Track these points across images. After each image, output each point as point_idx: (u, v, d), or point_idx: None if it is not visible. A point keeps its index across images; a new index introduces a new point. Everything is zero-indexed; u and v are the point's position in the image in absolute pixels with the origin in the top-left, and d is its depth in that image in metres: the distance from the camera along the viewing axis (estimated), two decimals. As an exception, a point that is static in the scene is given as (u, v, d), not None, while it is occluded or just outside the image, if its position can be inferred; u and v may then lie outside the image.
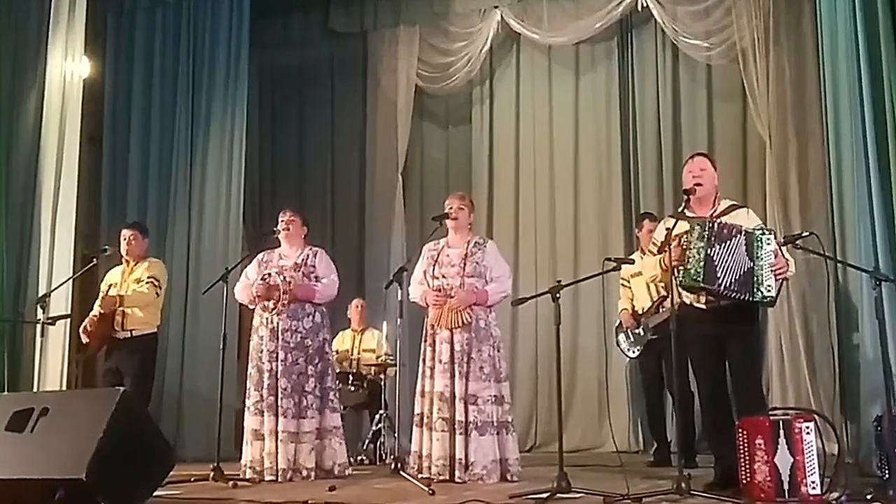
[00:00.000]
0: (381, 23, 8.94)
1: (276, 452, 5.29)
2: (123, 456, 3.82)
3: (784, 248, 4.45)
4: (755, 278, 4.25)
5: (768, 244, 4.28)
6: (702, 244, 4.28)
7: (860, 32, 5.53)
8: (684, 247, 4.30)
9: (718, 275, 4.26)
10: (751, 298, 4.28)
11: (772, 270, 4.26)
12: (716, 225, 4.34)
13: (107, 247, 6.25)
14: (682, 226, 4.43)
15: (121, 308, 5.90)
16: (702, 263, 4.25)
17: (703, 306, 4.46)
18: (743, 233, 4.32)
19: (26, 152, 7.06)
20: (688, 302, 4.51)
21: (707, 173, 4.58)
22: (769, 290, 4.27)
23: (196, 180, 8.00)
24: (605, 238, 8.09)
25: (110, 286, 6.12)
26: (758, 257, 4.26)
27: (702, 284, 4.29)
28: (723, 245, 4.28)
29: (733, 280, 4.26)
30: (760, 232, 4.32)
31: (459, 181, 8.55)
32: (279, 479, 5.23)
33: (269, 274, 5.51)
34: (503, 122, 8.72)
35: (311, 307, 5.55)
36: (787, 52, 7.22)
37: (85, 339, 5.96)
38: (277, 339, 5.44)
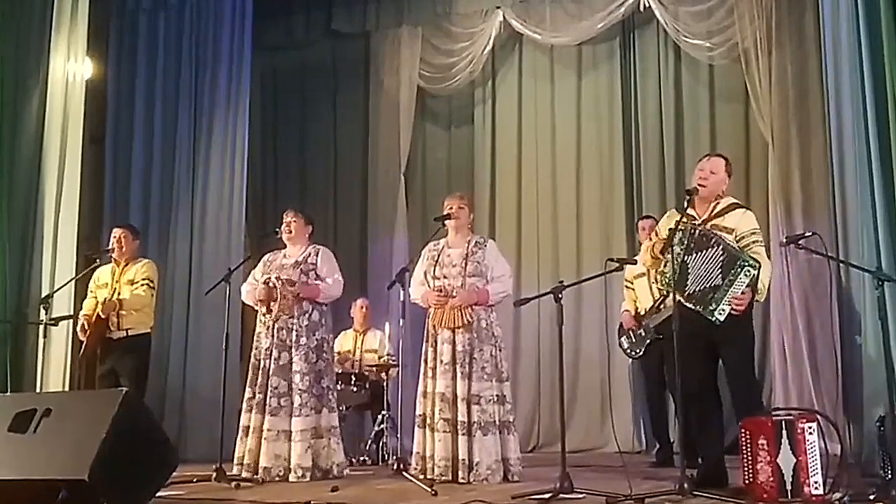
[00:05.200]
0: (384, 23, 8.94)
1: (259, 450, 5.32)
2: (126, 457, 3.81)
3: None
4: (715, 297, 4.30)
5: (746, 276, 4.29)
6: (679, 250, 4.35)
7: (862, 32, 5.52)
8: (667, 249, 4.35)
9: (688, 282, 4.36)
10: (700, 311, 4.34)
11: (732, 300, 4.29)
12: (697, 232, 4.39)
13: (109, 248, 6.26)
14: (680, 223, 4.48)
15: (119, 310, 5.93)
16: (677, 270, 4.33)
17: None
18: (722, 247, 4.33)
19: (29, 153, 7.06)
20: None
21: (716, 177, 4.59)
22: (721, 314, 4.31)
23: (199, 181, 8.00)
24: (608, 238, 8.09)
25: (99, 287, 6.14)
26: (730, 281, 4.29)
27: (672, 290, 4.36)
28: (699, 253, 4.35)
29: (698, 289, 4.33)
30: (745, 262, 4.30)
31: (462, 181, 8.56)
32: (261, 478, 5.24)
33: (270, 278, 5.54)
34: (505, 122, 8.72)
35: (309, 305, 5.56)
36: (790, 51, 7.21)
37: (83, 337, 5.96)
38: (272, 336, 5.48)
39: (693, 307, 4.36)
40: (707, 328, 4.42)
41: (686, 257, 4.34)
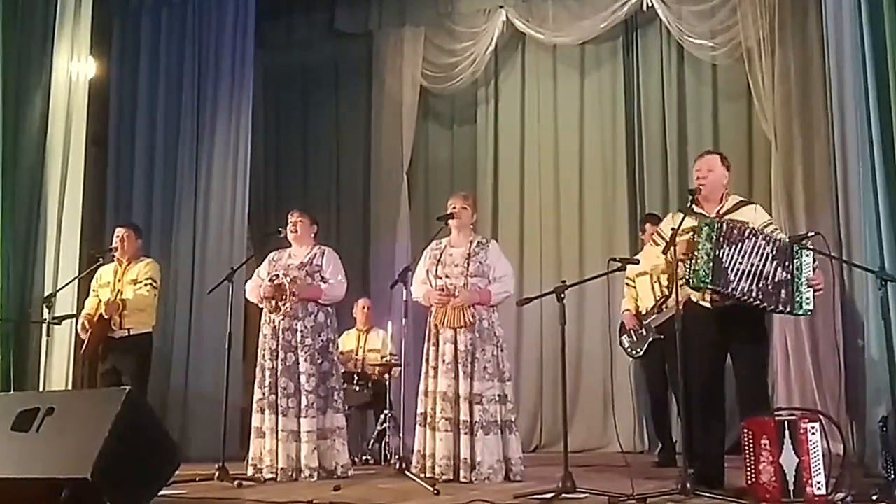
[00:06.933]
0: (386, 23, 8.95)
1: (277, 451, 5.33)
2: (129, 455, 3.82)
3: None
4: (794, 291, 4.21)
5: (807, 257, 4.23)
6: (710, 245, 4.22)
7: (866, 31, 5.50)
8: (692, 244, 4.28)
9: (731, 277, 4.21)
10: (781, 310, 4.26)
11: (809, 285, 4.22)
12: (724, 225, 4.29)
13: (112, 247, 6.26)
14: (689, 221, 4.40)
15: (123, 311, 5.94)
16: (710, 265, 4.20)
17: (709, 305, 4.43)
18: (762, 237, 4.26)
19: (32, 153, 7.07)
20: (694, 300, 4.49)
21: (714, 174, 4.56)
22: (808, 303, 4.23)
23: (201, 181, 8.02)
24: (610, 238, 8.09)
25: (101, 286, 6.15)
26: (797, 269, 4.21)
27: (710, 286, 4.26)
28: (733, 247, 4.23)
29: (754, 287, 4.21)
30: (798, 248, 4.24)
31: (464, 181, 8.55)
32: (278, 478, 5.26)
33: (277, 275, 5.54)
34: (508, 121, 8.73)
35: (314, 306, 5.56)
36: (793, 51, 7.20)
37: (84, 336, 5.97)
38: (278, 337, 5.48)
39: (768, 307, 4.25)
40: (720, 328, 4.39)
41: (717, 251, 4.23)
